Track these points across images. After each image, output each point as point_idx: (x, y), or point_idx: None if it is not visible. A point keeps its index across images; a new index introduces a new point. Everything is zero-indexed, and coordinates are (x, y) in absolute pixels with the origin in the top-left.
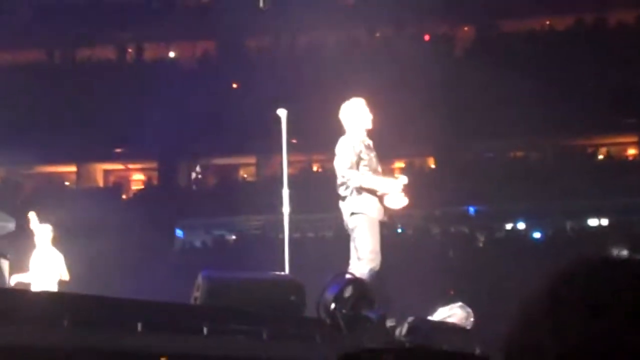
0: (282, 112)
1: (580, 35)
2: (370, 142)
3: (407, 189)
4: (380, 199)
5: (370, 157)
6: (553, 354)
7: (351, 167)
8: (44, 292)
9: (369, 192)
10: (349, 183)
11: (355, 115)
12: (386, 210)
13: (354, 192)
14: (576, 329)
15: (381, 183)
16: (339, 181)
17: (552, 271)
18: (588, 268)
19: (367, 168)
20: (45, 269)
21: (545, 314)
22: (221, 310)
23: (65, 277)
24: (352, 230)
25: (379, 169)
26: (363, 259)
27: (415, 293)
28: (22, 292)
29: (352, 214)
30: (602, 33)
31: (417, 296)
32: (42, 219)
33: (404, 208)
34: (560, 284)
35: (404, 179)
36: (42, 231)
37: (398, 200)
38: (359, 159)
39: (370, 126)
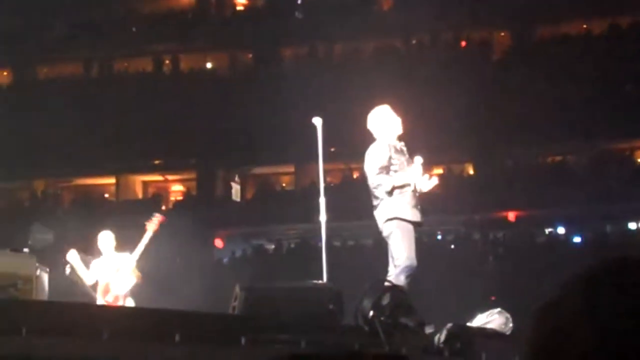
0: (317, 121)
1: (616, 38)
2: (403, 145)
3: (446, 194)
4: (414, 196)
5: (401, 160)
6: (596, 351)
7: (380, 173)
8: (81, 304)
9: (401, 195)
10: (379, 188)
11: (383, 123)
12: (422, 211)
13: (386, 198)
14: (618, 324)
15: (408, 175)
16: (370, 188)
17: (586, 268)
18: (626, 266)
19: (398, 172)
20: (117, 273)
21: (584, 311)
22: (259, 320)
23: (138, 277)
24: (388, 237)
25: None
26: (399, 265)
27: (455, 299)
28: (61, 306)
29: (387, 220)
30: (638, 36)
31: (456, 302)
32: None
33: (440, 211)
34: (594, 285)
35: (419, 159)
36: (108, 243)
37: (427, 182)
38: (389, 163)
39: (400, 131)
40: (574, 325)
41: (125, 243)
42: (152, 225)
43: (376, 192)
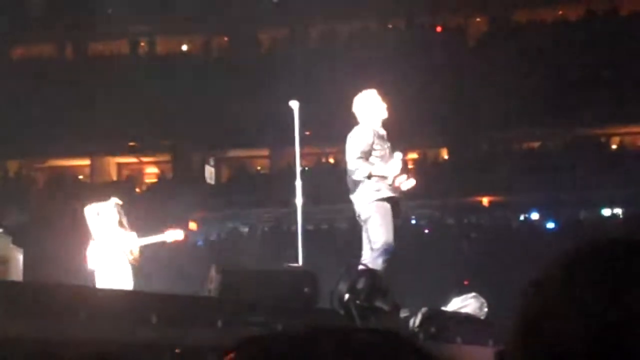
0: (294, 104)
1: (592, 24)
2: (385, 133)
3: (421, 179)
4: (392, 185)
5: (383, 147)
6: (573, 333)
7: (360, 158)
8: (56, 285)
9: (380, 180)
10: (357, 173)
11: (369, 107)
12: (400, 193)
13: (366, 181)
14: (597, 306)
15: (387, 168)
16: (348, 172)
17: (568, 252)
18: (607, 248)
19: (380, 159)
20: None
21: (564, 293)
22: (235, 302)
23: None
24: (365, 220)
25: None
26: (377, 249)
27: (429, 284)
28: (39, 286)
29: (365, 203)
30: (614, 22)
31: (431, 287)
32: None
33: (415, 196)
34: (578, 262)
35: (399, 155)
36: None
37: (404, 183)
38: (371, 149)
39: (385, 115)
40: (555, 305)
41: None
42: (171, 234)
43: (354, 176)
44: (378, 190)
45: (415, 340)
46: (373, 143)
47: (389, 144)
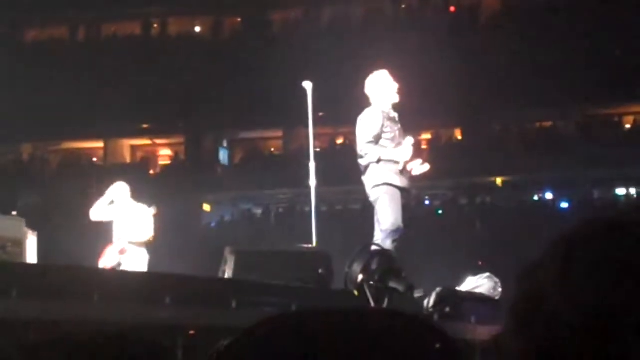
0: (307, 85)
1: (606, 3)
2: (396, 115)
3: (434, 160)
4: (403, 170)
5: (394, 130)
6: (565, 319)
7: (370, 141)
8: (70, 266)
9: (388, 163)
10: (367, 157)
11: (381, 88)
12: (410, 179)
13: (374, 165)
14: (591, 293)
15: (398, 153)
16: (358, 154)
17: (566, 232)
18: (605, 229)
19: (390, 142)
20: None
21: (558, 278)
22: (249, 283)
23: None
24: (375, 202)
25: (403, 142)
26: (385, 230)
27: (443, 264)
28: (53, 269)
29: (374, 186)
30: (628, 1)
31: (445, 267)
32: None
33: (428, 177)
34: (574, 245)
35: (410, 139)
36: (123, 193)
37: (418, 167)
38: (381, 132)
39: (397, 99)
40: (547, 289)
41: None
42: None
43: (362, 161)
44: (387, 175)
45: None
46: (383, 126)
47: (399, 126)
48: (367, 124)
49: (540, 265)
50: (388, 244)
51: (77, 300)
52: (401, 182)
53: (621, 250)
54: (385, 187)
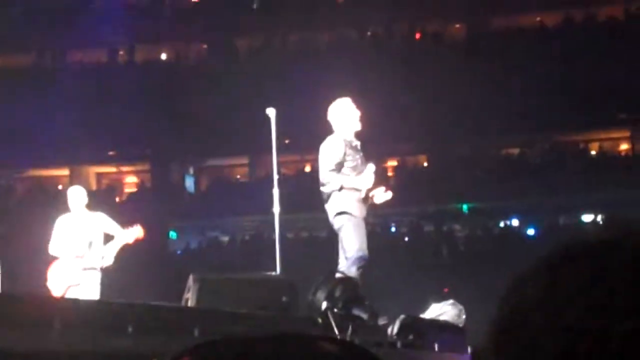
0: (271, 112)
1: (570, 31)
2: (358, 143)
3: (400, 186)
4: (365, 197)
5: (355, 158)
6: (546, 341)
7: (333, 170)
8: (33, 295)
9: (350, 191)
10: (329, 185)
11: (343, 116)
12: (372, 207)
13: (336, 193)
14: (574, 316)
15: (359, 181)
16: (321, 182)
17: (551, 250)
18: (590, 248)
19: (352, 170)
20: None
21: (539, 300)
22: (212, 311)
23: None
24: (338, 230)
25: (364, 170)
26: (350, 257)
27: (408, 291)
28: (15, 297)
29: (336, 214)
30: (592, 28)
31: (410, 294)
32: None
33: (394, 204)
34: (559, 264)
35: (372, 167)
36: (80, 199)
37: (381, 195)
38: (344, 160)
39: (358, 127)
40: (530, 308)
41: None
42: (131, 234)
43: (325, 189)
44: (349, 203)
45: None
46: (345, 154)
47: (361, 154)
48: (329, 152)
49: (524, 284)
50: (353, 271)
51: (38, 329)
52: (362, 212)
53: (608, 272)
54: (347, 215)
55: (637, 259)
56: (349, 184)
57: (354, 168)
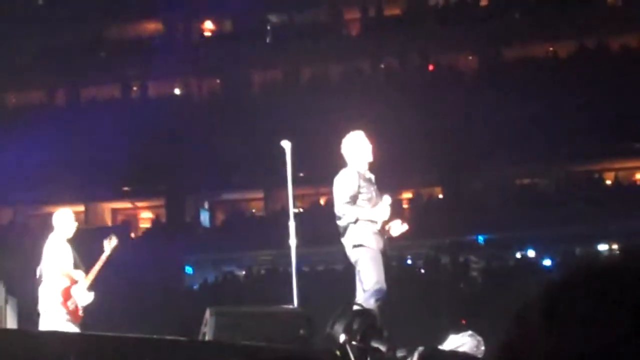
0: (286, 144)
1: (584, 60)
2: (372, 176)
3: (415, 218)
4: (381, 230)
5: (370, 190)
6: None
7: (348, 202)
8: (50, 332)
9: (366, 223)
10: (344, 218)
11: (355, 149)
12: (389, 240)
13: (352, 225)
14: (572, 343)
15: (375, 213)
16: (336, 215)
17: (551, 282)
18: (591, 276)
19: (367, 202)
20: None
21: (540, 327)
22: (230, 345)
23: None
24: (355, 263)
25: (380, 202)
26: (368, 290)
27: (426, 323)
28: (26, 334)
29: (353, 246)
30: (605, 57)
31: (427, 326)
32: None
33: (409, 237)
34: (556, 296)
35: (387, 199)
36: (69, 223)
37: (398, 227)
38: (358, 192)
39: (371, 159)
40: (535, 333)
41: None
42: (110, 246)
43: (341, 222)
44: (366, 235)
45: None
46: (359, 186)
47: (375, 187)
48: (344, 185)
49: (529, 310)
50: (371, 304)
51: None
52: (377, 243)
53: (607, 300)
54: (364, 247)
55: (635, 288)
56: (365, 216)
57: (369, 200)
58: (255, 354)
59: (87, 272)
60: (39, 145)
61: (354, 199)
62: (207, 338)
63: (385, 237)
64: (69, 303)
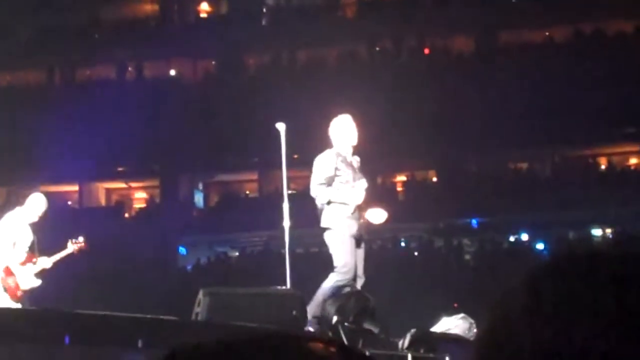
0: (280, 126)
1: (580, 45)
2: (354, 159)
3: (409, 201)
4: (356, 214)
5: (347, 173)
6: (529, 353)
7: (322, 183)
8: (44, 310)
9: (339, 206)
10: (317, 199)
11: (340, 132)
12: (366, 225)
13: (326, 208)
14: (554, 329)
15: (348, 196)
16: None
17: (533, 266)
18: (571, 263)
19: (343, 185)
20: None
21: (523, 312)
22: (222, 326)
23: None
24: (328, 245)
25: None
26: (337, 272)
27: (418, 306)
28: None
29: (323, 229)
30: (601, 43)
31: (420, 309)
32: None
33: (403, 219)
34: (540, 280)
35: (363, 183)
36: (41, 208)
37: (377, 214)
38: (334, 174)
39: (355, 142)
40: (514, 320)
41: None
42: (73, 247)
43: (315, 201)
44: (337, 218)
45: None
46: (337, 168)
47: (355, 170)
48: (320, 166)
49: (509, 296)
50: (330, 283)
51: (46, 343)
52: (350, 229)
53: (588, 288)
54: (333, 231)
55: (620, 274)
56: (337, 198)
57: (346, 183)
58: (248, 334)
59: (42, 257)
60: (34, 125)
61: (329, 181)
62: (200, 318)
63: (361, 221)
64: (9, 280)
